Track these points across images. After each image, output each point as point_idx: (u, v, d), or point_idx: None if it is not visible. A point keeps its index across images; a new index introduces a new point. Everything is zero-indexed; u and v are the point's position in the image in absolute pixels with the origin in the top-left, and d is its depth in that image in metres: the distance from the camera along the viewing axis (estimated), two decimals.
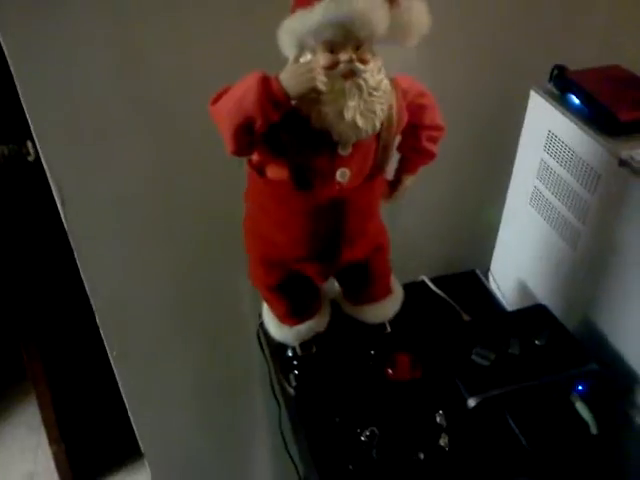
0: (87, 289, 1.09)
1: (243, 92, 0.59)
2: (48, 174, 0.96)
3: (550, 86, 0.93)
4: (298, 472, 1.01)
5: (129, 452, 1.64)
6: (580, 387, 0.81)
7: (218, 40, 0.90)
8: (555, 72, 0.92)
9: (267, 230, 0.76)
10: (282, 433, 1.03)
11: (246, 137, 0.61)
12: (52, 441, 1.59)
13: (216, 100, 0.62)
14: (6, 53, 0.84)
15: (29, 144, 1.11)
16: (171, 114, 0.96)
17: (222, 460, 1.46)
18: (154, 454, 1.38)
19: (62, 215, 1.00)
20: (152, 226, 1.07)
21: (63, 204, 0.98)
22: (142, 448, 1.36)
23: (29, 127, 0.91)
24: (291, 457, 1.03)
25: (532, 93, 0.95)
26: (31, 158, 1.13)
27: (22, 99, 0.88)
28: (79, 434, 1.63)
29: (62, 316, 1.43)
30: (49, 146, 0.93)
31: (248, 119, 0.59)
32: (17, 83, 0.87)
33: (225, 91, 0.62)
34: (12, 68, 0.85)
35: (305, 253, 0.75)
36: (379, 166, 0.70)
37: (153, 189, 1.03)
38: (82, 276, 1.07)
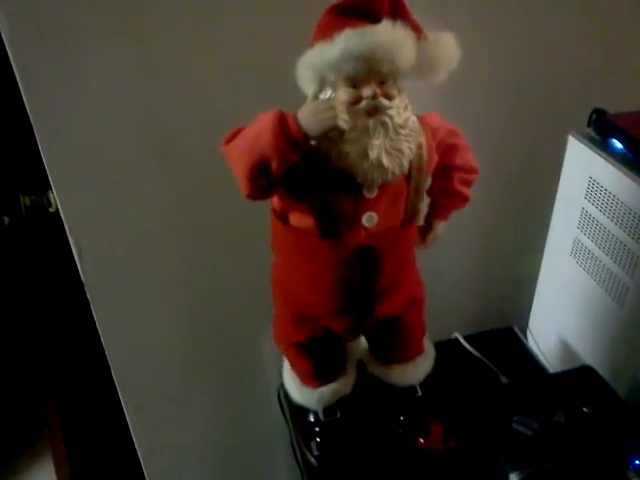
0: (103, 343, 1.07)
1: (258, 131, 0.56)
2: (65, 224, 0.95)
3: (589, 131, 0.90)
4: None
5: None
6: (637, 462, 0.74)
7: (237, 81, 0.90)
8: (594, 116, 0.89)
9: (295, 284, 0.71)
10: None
11: (262, 180, 0.57)
12: None
13: (229, 140, 0.60)
14: (26, 105, 0.85)
15: (50, 195, 1.10)
16: (191, 161, 0.95)
17: None
18: None
19: (79, 266, 0.99)
20: (170, 278, 1.05)
21: (80, 255, 0.98)
22: None
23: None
24: None
25: (570, 138, 0.92)
26: (52, 209, 1.12)
27: (41, 149, 0.89)
28: None
29: (79, 372, 1.41)
30: (66, 196, 0.93)
31: (263, 160, 0.55)
32: (36, 133, 0.87)
33: (238, 131, 0.59)
34: (31, 118, 0.86)
35: (336, 308, 0.70)
36: (414, 210, 0.67)
37: (170, 240, 1.02)
38: (99, 329, 1.06)
